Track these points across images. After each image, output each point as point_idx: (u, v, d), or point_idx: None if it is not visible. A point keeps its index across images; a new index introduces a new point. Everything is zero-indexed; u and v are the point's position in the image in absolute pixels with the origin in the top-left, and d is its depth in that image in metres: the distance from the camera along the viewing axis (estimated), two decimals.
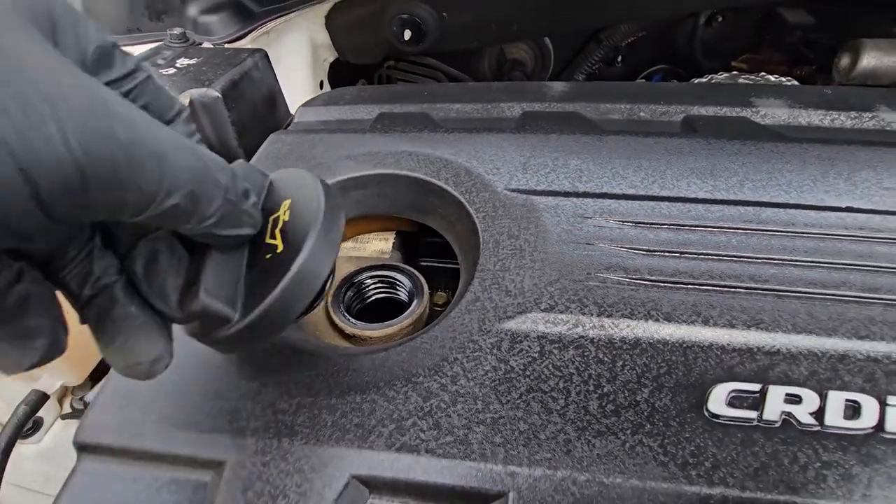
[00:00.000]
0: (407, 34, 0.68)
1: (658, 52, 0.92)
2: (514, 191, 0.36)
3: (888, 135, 0.40)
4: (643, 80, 0.89)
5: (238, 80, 0.51)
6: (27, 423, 0.51)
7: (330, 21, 0.71)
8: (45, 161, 0.14)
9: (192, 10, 0.64)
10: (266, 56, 0.57)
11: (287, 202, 0.22)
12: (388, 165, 0.40)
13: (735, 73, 0.75)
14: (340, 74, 0.84)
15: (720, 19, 0.87)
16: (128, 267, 0.21)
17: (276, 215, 0.22)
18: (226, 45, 0.64)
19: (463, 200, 0.36)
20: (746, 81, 0.72)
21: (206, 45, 0.60)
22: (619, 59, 0.93)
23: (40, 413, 0.58)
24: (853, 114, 0.41)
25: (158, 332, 0.20)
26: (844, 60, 0.68)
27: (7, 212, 0.15)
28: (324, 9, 0.70)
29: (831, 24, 0.81)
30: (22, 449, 0.56)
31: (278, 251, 0.21)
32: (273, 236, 0.21)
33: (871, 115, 0.41)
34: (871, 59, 0.65)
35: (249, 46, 0.66)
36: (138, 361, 0.20)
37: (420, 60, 0.93)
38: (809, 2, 0.80)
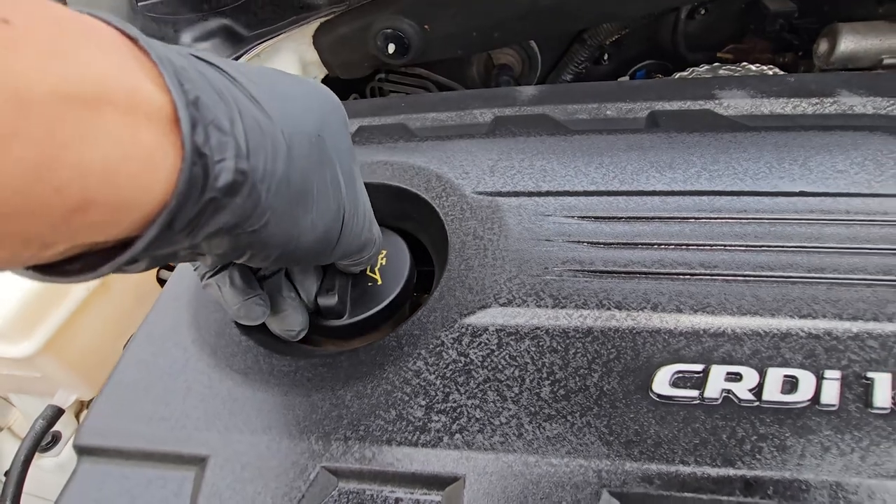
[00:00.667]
0: (391, 48, 0.71)
1: (643, 47, 0.93)
2: (481, 193, 0.38)
3: (848, 118, 0.40)
4: (615, 80, 0.90)
5: None
6: (46, 438, 0.55)
7: (317, 40, 0.74)
8: (363, 238, 0.28)
9: (186, 39, 0.68)
10: None
11: (384, 252, 0.35)
12: (365, 176, 0.42)
13: (717, 64, 0.76)
14: (332, 89, 0.87)
15: (703, 12, 0.88)
16: (288, 268, 0.31)
17: None
18: None
19: (434, 205, 0.38)
20: (727, 72, 0.73)
21: None
22: (606, 57, 0.94)
23: (59, 427, 0.61)
24: (814, 100, 0.42)
25: (303, 312, 0.31)
26: (823, 46, 0.68)
27: (320, 253, 0.25)
28: (310, 29, 0.73)
29: (814, 9, 0.81)
30: (42, 462, 0.59)
31: (378, 283, 0.34)
32: (373, 272, 0.34)
33: (832, 101, 0.42)
34: (849, 42, 0.65)
35: None
36: (291, 328, 0.30)
37: (410, 71, 0.95)
38: None
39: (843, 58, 0.66)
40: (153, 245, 0.17)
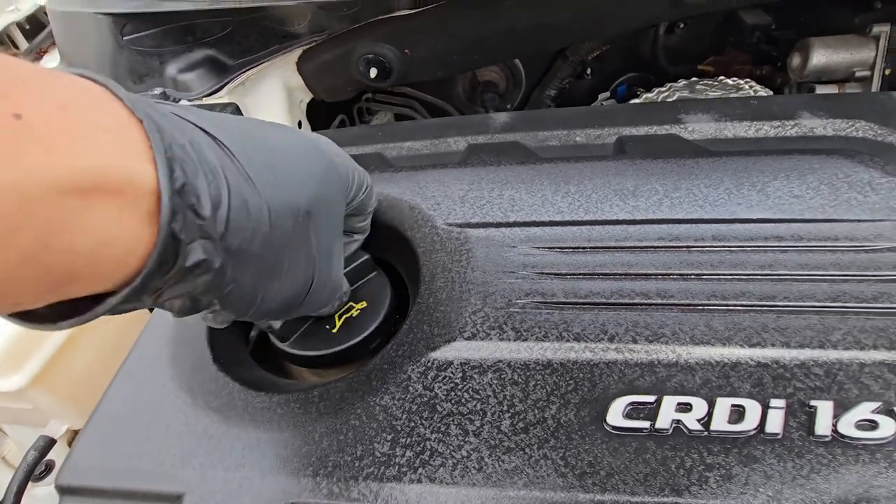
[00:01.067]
0: (373, 72, 0.72)
1: (625, 61, 0.95)
2: (451, 225, 0.39)
3: (808, 141, 0.41)
4: (597, 94, 0.91)
5: None
6: (39, 467, 0.56)
7: (301, 66, 0.76)
8: (325, 301, 0.30)
9: (172, 70, 0.69)
10: (237, 108, 0.62)
11: (363, 303, 0.36)
12: None
13: (694, 79, 0.77)
14: (319, 112, 0.89)
15: (682, 26, 0.89)
16: None
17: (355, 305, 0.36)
18: (204, 100, 0.69)
19: (407, 236, 0.39)
20: (704, 87, 0.74)
21: (184, 102, 0.65)
22: (588, 72, 0.96)
23: (52, 456, 0.62)
24: (776, 123, 0.43)
25: None
26: (796, 60, 0.69)
27: (281, 314, 0.27)
28: (294, 56, 0.74)
29: (790, 22, 0.82)
30: (36, 491, 0.60)
31: (364, 307, 0.36)
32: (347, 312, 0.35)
33: (793, 123, 0.43)
34: (821, 56, 0.67)
35: (226, 98, 0.71)
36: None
37: (396, 90, 0.97)
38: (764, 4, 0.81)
39: (816, 71, 0.68)
40: (122, 303, 0.19)
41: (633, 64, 0.95)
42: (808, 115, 0.43)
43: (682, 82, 0.76)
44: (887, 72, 0.65)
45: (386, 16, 0.64)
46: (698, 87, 0.73)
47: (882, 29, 0.64)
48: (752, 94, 0.70)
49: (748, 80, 0.74)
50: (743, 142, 0.43)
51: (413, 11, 0.63)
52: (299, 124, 0.83)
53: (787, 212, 0.35)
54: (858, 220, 0.33)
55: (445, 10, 0.63)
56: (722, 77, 0.75)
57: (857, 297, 0.29)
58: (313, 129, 0.88)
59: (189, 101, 0.68)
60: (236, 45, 0.70)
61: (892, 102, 0.43)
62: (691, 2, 0.65)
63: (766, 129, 0.43)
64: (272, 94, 0.77)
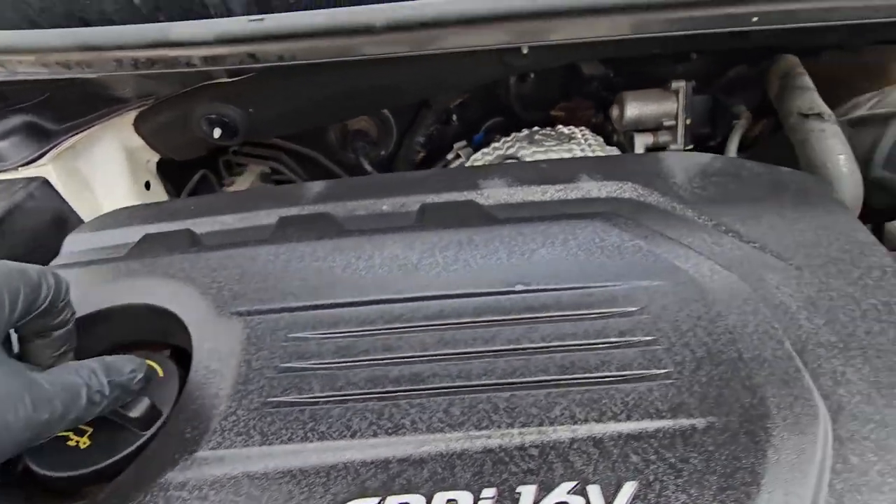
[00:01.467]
0: (217, 132, 0.70)
1: (486, 108, 1.00)
2: (234, 312, 0.38)
3: (585, 203, 0.45)
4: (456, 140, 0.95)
5: (7, 213, 0.51)
6: None
7: (138, 127, 0.72)
8: None
9: None
10: (46, 182, 0.57)
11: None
12: (132, 294, 0.41)
13: (536, 128, 0.83)
14: (177, 169, 0.85)
15: (531, 76, 0.96)
16: None
17: None
18: (20, 170, 0.63)
19: (188, 326, 0.37)
20: (542, 137, 0.79)
21: None
22: (454, 118, 1.00)
23: None
24: (559, 186, 0.47)
25: None
26: (615, 111, 0.76)
27: None
28: (129, 117, 0.71)
29: (623, 72, 0.91)
30: None
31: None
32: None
33: (574, 186, 0.47)
34: (634, 109, 0.74)
35: (50, 165, 0.66)
36: None
37: (264, 141, 0.95)
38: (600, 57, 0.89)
39: (631, 122, 0.75)
40: None
41: (493, 110, 1.00)
42: (587, 177, 0.47)
43: (525, 132, 0.81)
44: (688, 122, 0.73)
45: (208, 82, 0.62)
46: (537, 136, 0.78)
47: (679, 84, 0.72)
48: (583, 141, 0.76)
49: (582, 128, 0.80)
50: (529, 206, 0.46)
51: (234, 80, 0.62)
52: (147, 185, 0.79)
53: (545, 280, 0.37)
54: (601, 286, 0.36)
55: (262, 80, 0.63)
56: (560, 126, 0.81)
57: (582, 367, 0.31)
58: (170, 187, 0.84)
59: (1, 171, 0.62)
60: (57, 110, 0.66)
61: (655, 164, 0.48)
62: (517, 63, 0.70)
63: (552, 192, 0.47)
64: (110, 156, 0.73)
